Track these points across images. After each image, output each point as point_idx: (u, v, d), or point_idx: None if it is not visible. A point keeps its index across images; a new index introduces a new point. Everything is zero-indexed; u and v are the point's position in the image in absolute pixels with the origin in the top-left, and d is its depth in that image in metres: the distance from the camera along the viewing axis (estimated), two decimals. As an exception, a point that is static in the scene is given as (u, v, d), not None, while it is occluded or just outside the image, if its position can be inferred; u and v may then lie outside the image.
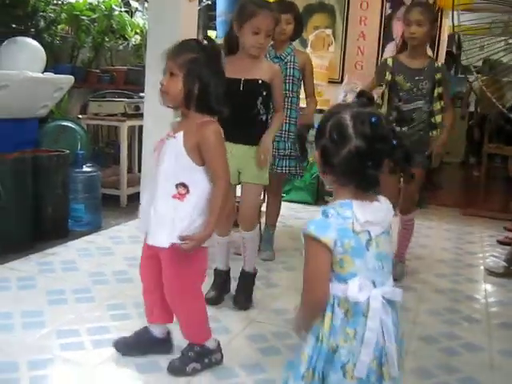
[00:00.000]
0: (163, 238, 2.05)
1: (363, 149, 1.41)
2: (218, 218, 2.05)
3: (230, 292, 3.00)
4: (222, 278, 2.97)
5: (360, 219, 1.42)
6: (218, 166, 2.05)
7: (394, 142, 1.45)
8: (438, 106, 3.34)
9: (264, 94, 2.76)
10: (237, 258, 3.17)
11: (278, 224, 3.88)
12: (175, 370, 2.21)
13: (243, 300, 2.89)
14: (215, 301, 2.87)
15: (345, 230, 1.42)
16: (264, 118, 2.80)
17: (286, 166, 3.62)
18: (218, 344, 2.30)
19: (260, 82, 2.73)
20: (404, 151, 1.47)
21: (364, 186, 1.45)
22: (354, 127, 1.42)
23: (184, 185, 2.04)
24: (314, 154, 1.56)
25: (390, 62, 3.36)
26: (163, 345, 2.35)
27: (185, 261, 2.09)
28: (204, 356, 2.24)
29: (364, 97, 1.55)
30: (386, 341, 1.45)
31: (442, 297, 3.25)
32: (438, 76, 3.30)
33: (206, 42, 2.12)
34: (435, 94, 3.31)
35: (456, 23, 4.76)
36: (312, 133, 3.86)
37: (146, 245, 2.17)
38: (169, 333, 2.37)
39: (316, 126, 1.55)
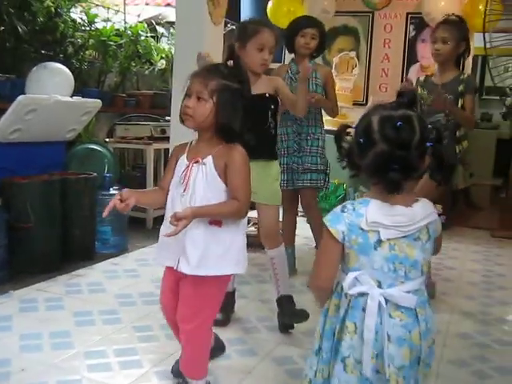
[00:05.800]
0: (195, 265, 1.95)
1: (387, 152, 1.40)
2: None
3: (234, 312, 2.99)
4: (227, 299, 2.89)
5: (368, 219, 1.44)
6: (239, 187, 1.91)
7: (429, 143, 1.44)
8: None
9: (272, 107, 2.79)
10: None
11: (303, 245, 3.85)
12: None
13: (289, 321, 2.84)
14: (224, 323, 2.82)
15: (354, 226, 1.46)
16: (273, 131, 2.84)
17: (307, 180, 3.60)
18: None
19: (267, 95, 2.76)
20: (438, 155, 1.46)
21: (386, 188, 1.44)
22: (379, 131, 1.42)
23: None
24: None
25: (422, 78, 3.44)
26: (213, 352, 2.32)
27: (207, 282, 1.99)
28: None
29: (404, 97, 1.50)
30: (383, 343, 1.45)
31: (473, 319, 3.19)
32: (461, 88, 3.29)
33: (233, 67, 1.99)
34: (459, 106, 3.30)
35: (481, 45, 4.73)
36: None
37: (169, 272, 2.14)
38: (217, 337, 2.39)
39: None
